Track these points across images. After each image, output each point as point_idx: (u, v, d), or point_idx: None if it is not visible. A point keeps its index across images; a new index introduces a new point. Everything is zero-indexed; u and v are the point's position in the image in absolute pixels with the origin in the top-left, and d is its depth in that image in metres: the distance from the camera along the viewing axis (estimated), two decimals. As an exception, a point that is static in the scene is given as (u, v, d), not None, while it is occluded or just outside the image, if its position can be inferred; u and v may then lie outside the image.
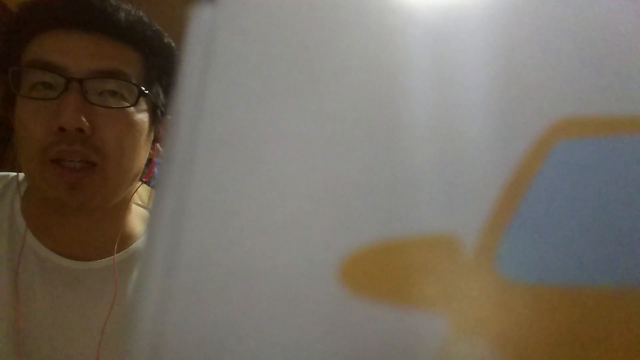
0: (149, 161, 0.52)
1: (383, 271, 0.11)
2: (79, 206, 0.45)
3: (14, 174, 0.53)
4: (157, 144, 0.52)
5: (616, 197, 0.11)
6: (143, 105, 0.47)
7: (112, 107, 0.44)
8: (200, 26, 0.13)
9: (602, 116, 0.11)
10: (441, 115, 0.12)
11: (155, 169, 0.54)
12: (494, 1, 0.13)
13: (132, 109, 0.45)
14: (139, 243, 0.52)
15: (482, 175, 0.11)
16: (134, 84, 0.45)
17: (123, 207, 0.51)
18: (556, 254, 0.11)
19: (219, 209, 0.11)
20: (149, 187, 0.58)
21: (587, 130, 0.11)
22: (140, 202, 0.56)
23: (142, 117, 0.46)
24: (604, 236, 0.11)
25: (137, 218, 0.54)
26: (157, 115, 0.49)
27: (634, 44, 0.12)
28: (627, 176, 0.11)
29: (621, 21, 0.12)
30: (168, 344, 0.11)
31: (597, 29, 0.12)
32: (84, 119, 0.42)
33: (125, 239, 0.52)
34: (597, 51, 0.12)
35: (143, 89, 0.46)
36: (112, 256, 0.49)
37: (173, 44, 0.50)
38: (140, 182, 0.52)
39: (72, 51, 0.43)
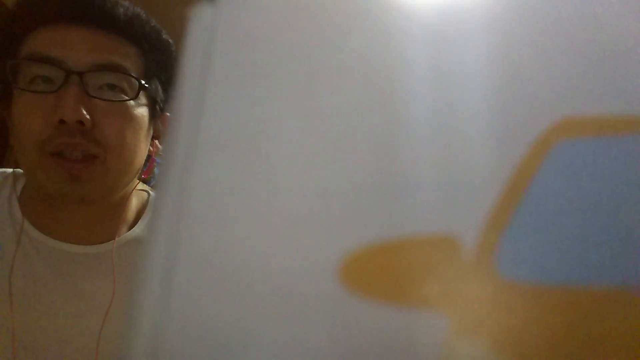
0: (148, 157, 0.51)
1: (383, 271, 0.11)
2: (79, 199, 0.45)
3: (11, 170, 0.52)
4: (156, 141, 0.52)
5: (616, 197, 0.11)
6: (142, 99, 0.47)
7: (113, 100, 0.44)
8: (200, 26, 0.13)
9: (602, 116, 0.11)
10: (441, 115, 0.12)
11: (156, 169, 0.54)
12: (494, 1, 0.13)
13: (132, 102, 0.45)
14: (136, 229, 0.52)
15: (482, 175, 0.11)
16: (134, 76, 0.45)
17: (122, 203, 0.51)
18: (556, 254, 0.11)
19: (218, 208, 0.11)
20: (149, 186, 0.58)
21: (587, 130, 0.11)
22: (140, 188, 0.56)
23: (142, 111, 0.47)
24: (603, 236, 0.11)
25: (135, 203, 0.54)
26: (156, 110, 0.49)
27: (634, 44, 0.12)
28: (627, 176, 0.11)
29: (621, 21, 0.12)
30: (168, 344, 0.11)
31: (597, 29, 0.12)
32: (85, 112, 0.42)
33: (124, 225, 0.52)
34: (597, 51, 0.12)
35: (143, 82, 0.46)
36: (109, 241, 0.49)
37: (171, 40, 0.50)
38: (138, 181, 0.52)
39: (72, 45, 0.43)
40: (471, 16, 0.13)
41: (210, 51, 0.13)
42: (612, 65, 0.12)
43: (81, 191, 0.44)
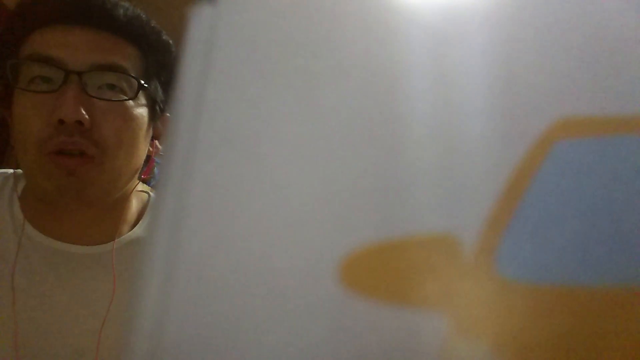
0: (148, 158, 0.52)
1: (383, 271, 0.11)
2: (76, 195, 0.45)
3: (11, 170, 0.53)
4: (156, 141, 0.52)
5: (616, 197, 0.11)
6: (142, 100, 0.47)
7: (112, 100, 0.44)
8: (200, 26, 0.13)
9: (602, 116, 0.11)
10: (441, 116, 0.12)
11: (156, 169, 0.54)
12: (494, 1, 0.13)
13: (131, 102, 0.45)
14: (135, 230, 0.52)
15: (482, 175, 0.11)
16: (133, 77, 0.45)
17: (122, 203, 0.51)
18: (556, 254, 0.11)
19: (218, 208, 0.11)
20: (149, 187, 0.58)
21: (587, 130, 0.11)
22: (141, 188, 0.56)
23: (141, 111, 0.47)
24: (604, 236, 0.11)
25: (135, 203, 0.54)
26: (156, 111, 0.49)
27: (634, 44, 0.12)
28: (627, 176, 0.11)
29: (621, 21, 0.12)
30: (168, 344, 0.11)
31: (597, 29, 0.12)
32: (84, 112, 0.42)
33: (124, 225, 0.52)
34: (597, 51, 0.12)
35: (142, 82, 0.46)
36: (110, 242, 0.49)
37: (171, 41, 0.50)
38: (138, 181, 0.52)
39: (71, 45, 0.43)
40: (471, 16, 0.13)
41: (210, 51, 0.13)
42: (612, 65, 0.12)
43: (77, 186, 0.44)
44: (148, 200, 0.56)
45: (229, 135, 0.12)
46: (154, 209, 0.12)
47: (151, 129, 0.50)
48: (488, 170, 0.11)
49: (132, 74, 0.45)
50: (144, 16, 0.48)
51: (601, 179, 0.11)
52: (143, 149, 0.49)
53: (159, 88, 0.49)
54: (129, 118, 0.45)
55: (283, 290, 0.11)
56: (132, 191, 0.52)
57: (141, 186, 0.55)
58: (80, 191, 0.45)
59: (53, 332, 0.46)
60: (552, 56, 0.12)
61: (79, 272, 0.48)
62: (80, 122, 0.42)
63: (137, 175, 0.51)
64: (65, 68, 0.42)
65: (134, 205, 0.54)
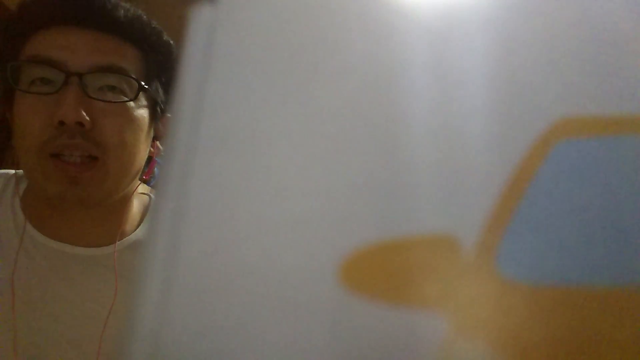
0: (149, 159, 0.52)
1: (383, 271, 0.11)
2: (79, 201, 0.45)
3: (13, 171, 0.53)
4: (157, 142, 0.52)
5: (616, 197, 0.11)
6: (143, 101, 0.47)
7: (112, 101, 0.44)
8: (200, 26, 0.13)
9: (602, 116, 0.11)
10: (441, 115, 0.12)
11: (156, 169, 0.54)
12: (494, 1, 0.13)
13: (132, 103, 0.45)
14: (137, 233, 0.52)
15: (482, 175, 0.11)
16: (133, 78, 0.45)
17: (123, 204, 0.51)
18: (556, 254, 0.11)
19: (219, 209, 0.11)
20: (149, 187, 0.58)
21: (587, 130, 0.11)
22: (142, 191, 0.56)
23: (142, 112, 0.47)
24: (603, 236, 0.11)
25: (137, 206, 0.54)
26: (157, 112, 0.49)
27: (634, 44, 0.12)
28: (627, 176, 0.11)
29: (621, 21, 0.12)
30: (168, 344, 0.11)
31: (597, 29, 0.12)
32: (84, 113, 0.42)
33: (126, 228, 0.52)
34: (597, 51, 0.12)
35: (143, 83, 0.46)
36: (111, 244, 0.49)
37: (172, 42, 0.50)
38: (139, 182, 0.52)
39: (72, 47, 0.44)
40: (471, 16, 0.13)
41: (210, 51, 0.13)
42: (612, 65, 0.12)
43: (80, 194, 0.44)
44: (150, 203, 0.56)
45: (229, 135, 0.12)
46: (153, 209, 0.12)
47: (152, 129, 0.50)
48: (488, 170, 0.11)
49: (133, 75, 0.45)
50: (144, 17, 0.48)
51: (601, 179, 0.11)
52: (144, 149, 0.49)
53: (159, 89, 0.49)
54: (130, 119, 0.45)
55: (283, 290, 0.11)
56: (133, 192, 0.52)
57: (143, 188, 0.55)
58: (82, 197, 0.45)
59: (53, 334, 0.45)
60: (552, 56, 0.12)
61: (80, 274, 0.47)
62: (80, 124, 0.42)
63: (138, 176, 0.51)
64: (66, 70, 0.43)
65: (136, 207, 0.54)
